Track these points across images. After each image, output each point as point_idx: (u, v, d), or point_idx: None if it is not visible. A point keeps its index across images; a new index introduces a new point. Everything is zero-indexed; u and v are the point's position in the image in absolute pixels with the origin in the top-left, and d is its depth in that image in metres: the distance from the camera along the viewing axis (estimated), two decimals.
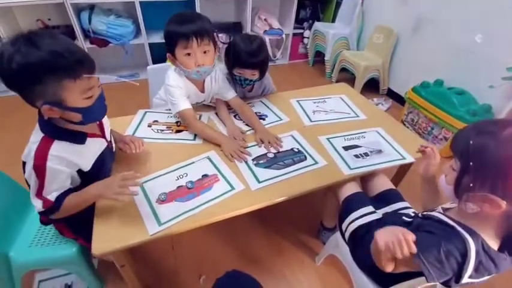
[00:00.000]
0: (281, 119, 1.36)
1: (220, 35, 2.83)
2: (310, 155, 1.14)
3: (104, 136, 0.94)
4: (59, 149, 0.78)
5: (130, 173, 0.82)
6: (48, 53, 0.67)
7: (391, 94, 2.79)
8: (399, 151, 1.20)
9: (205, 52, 1.12)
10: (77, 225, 0.97)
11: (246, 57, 1.24)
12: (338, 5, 3.12)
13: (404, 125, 2.23)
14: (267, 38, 3.05)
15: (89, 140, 0.86)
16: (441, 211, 0.76)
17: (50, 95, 0.70)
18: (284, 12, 3.24)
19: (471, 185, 0.60)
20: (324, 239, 1.40)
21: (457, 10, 2.05)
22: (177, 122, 1.29)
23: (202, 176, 1.02)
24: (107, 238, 0.81)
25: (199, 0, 2.62)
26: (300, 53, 3.46)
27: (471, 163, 0.60)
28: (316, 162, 1.11)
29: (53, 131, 0.79)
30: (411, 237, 0.60)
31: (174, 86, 1.20)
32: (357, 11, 2.84)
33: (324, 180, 1.04)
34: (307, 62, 3.44)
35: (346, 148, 1.19)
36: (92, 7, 2.44)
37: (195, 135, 1.21)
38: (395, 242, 0.60)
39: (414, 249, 0.59)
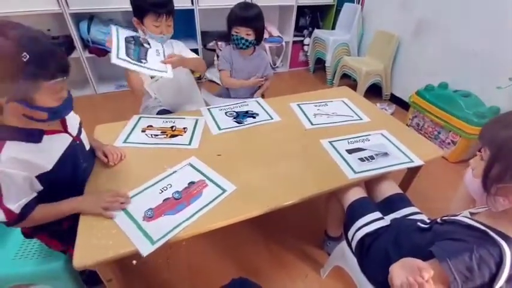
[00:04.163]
0: (272, 118, 1.34)
1: (219, 43, 2.83)
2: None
3: (66, 131, 0.87)
4: (10, 151, 0.72)
5: (124, 193, 0.86)
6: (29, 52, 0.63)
7: (394, 99, 2.74)
8: (406, 154, 1.13)
9: (169, 25, 1.34)
10: (64, 235, 0.90)
11: (238, 13, 1.46)
12: (338, 12, 3.12)
13: None
14: (266, 46, 3.04)
15: (46, 137, 0.79)
16: (468, 215, 0.69)
17: (21, 93, 0.67)
18: (284, 20, 3.24)
19: (501, 174, 0.56)
20: (328, 250, 1.32)
21: (457, 12, 2.02)
22: (172, 127, 1.24)
23: (189, 183, 0.94)
24: (92, 248, 0.74)
25: (198, 10, 2.63)
26: (301, 60, 3.44)
27: (502, 151, 0.56)
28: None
29: (2, 133, 0.73)
30: (427, 275, 0.54)
31: None
32: (356, 17, 2.83)
33: (326, 185, 0.97)
34: (308, 69, 3.42)
35: (350, 151, 1.13)
36: (91, 17, 2.44)
37: (191, 140, 1.16)
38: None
39: None
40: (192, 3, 2.57)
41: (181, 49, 1.48)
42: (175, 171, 1.00)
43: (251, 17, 1.47)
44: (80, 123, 0.95)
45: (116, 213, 0.82)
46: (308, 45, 3.25)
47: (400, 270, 0.58)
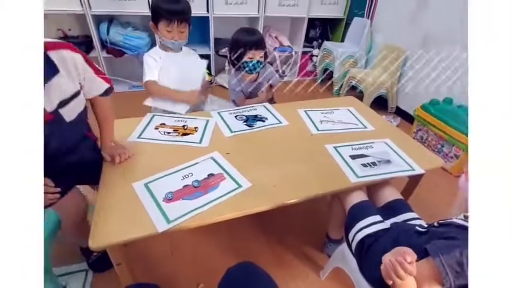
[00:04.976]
0: (280, 122, 1.39)
1: None
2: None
3: None
4: None
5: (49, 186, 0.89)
6: None
7: (400, 112, 2.78)
8: (408, 162, 1.17)
9: (182, 32, 1.38)
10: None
11: (249, 38, 1.47)
12: (347, 25, 3.20)
13: None
14: (276, 55, 3.12)
15: None
16: (463, 218, 0.73)
17: None
18: (294, 31, 3.33)
19: None
20: (329, 252, 1.34)
21: (464, 28, 2.07)
22: (183, 126, 1.30)
23: (208, 175, 1.02)
24: (107, 231, 0.80)
25: (213, 19, 2.72)
26: (309, 70, 3.52)
27: None
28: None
29: None
30: (410, 258, 0.58)
31: (151, 55, 1.42)
32: (365, 30, 2.90)
33: (329, 187, 1.02)
34: (316, 79, 3.48)
35: (353, 157, 1.17)
36: (111, 19, 2.56)
37: (201, 139, 1.22)
38: (392, 266, 0.60)
39: (411, 271, 0.58)
40: (208, 10, 2.67)
41: (194, 60, 1.52)
42: (198, 163, 1.08)
43: (261, 38, 1.50)
44: (76, 93, 0.90)
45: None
46: (317, 56, 3.32)
47: (388, 258, 0.63)
